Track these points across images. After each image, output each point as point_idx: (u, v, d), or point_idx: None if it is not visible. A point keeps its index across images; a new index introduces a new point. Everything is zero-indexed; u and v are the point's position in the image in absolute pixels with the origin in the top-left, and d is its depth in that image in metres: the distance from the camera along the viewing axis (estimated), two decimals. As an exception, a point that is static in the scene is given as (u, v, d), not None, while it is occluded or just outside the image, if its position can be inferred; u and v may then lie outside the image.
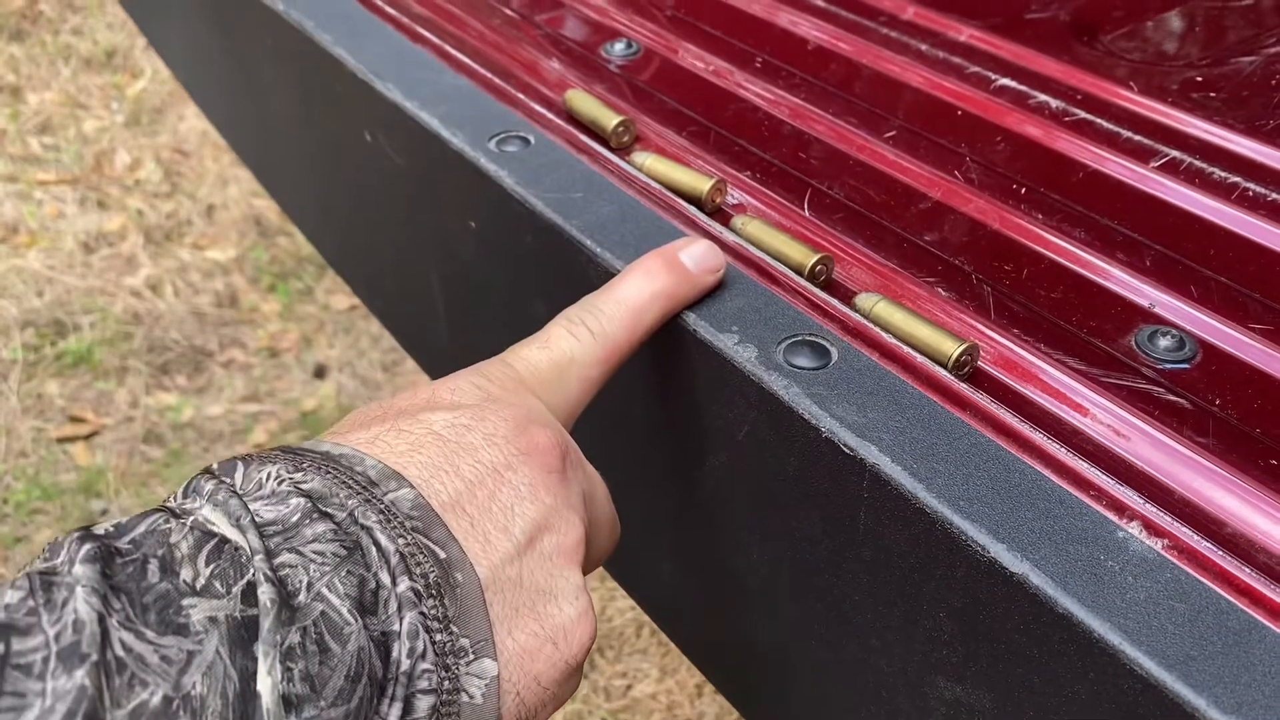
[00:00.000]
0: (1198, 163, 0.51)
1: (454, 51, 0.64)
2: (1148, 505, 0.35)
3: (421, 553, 0.30)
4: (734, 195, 0.53)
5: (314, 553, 0.28)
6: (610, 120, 0.55)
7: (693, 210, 0.50)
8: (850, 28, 0.65)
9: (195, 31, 0.97)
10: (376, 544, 0.29)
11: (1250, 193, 0.49)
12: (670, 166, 0.52)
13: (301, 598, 0.27)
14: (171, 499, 0.30)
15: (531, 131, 0.54)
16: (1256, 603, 0.32)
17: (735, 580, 0.48)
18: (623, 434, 0.53)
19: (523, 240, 0.52)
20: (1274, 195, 0.49)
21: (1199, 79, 0.58)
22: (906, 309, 0.43)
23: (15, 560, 1.56)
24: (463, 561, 0.30)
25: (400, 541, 0.29)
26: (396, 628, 0.28)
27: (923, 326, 0.42)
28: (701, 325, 0.43)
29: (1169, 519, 0.35)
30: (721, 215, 0.51)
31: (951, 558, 0.34)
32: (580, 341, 0.40)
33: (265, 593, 0.26)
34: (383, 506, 0.30)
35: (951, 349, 0.41)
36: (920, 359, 0.41)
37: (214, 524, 0.28)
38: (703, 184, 0.51)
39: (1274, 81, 0.56)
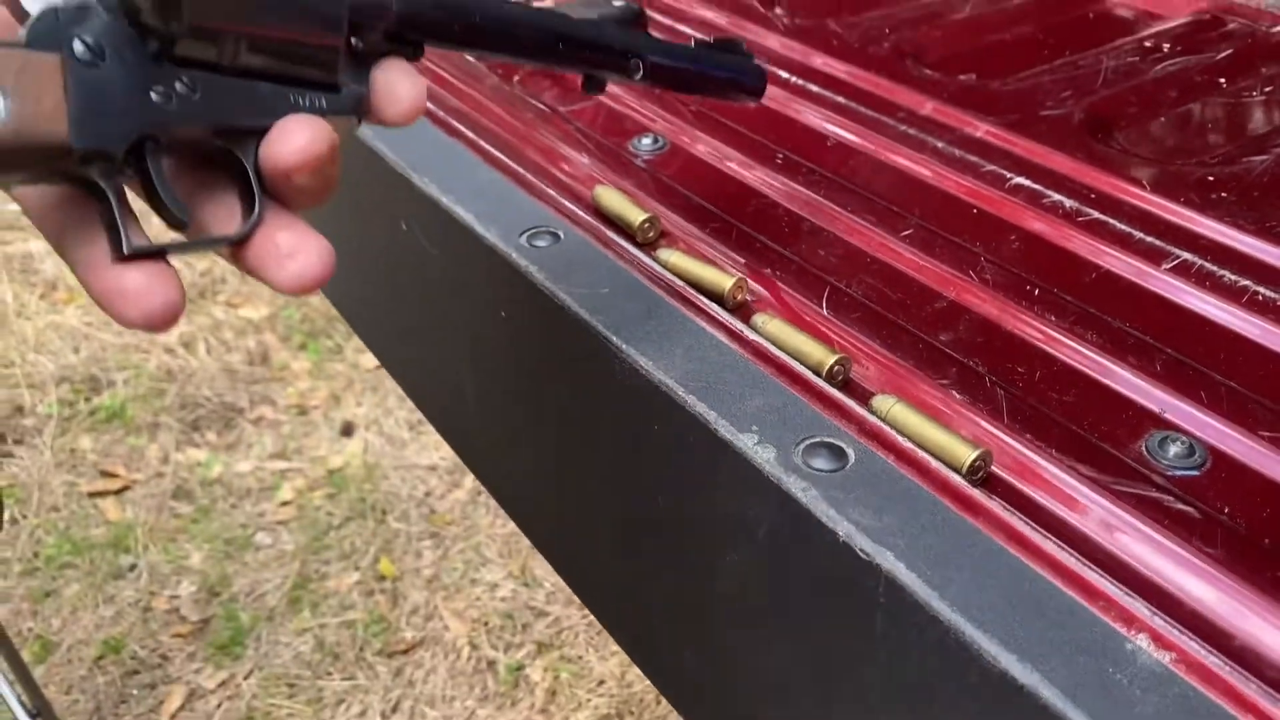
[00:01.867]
0: (1209, 265, 0.53)
1: (487, 146, 0.66)
2: (1156, 617, 0.36)
3: None
4: (755, 291, 0.55)
5: None
6: (636, 217, 0.58)
7: (715, 308, 0.52)
8: (869, 124, 0.68)
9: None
10: None
11: (1260, 296, 0.51)
12: (694, 263, 0.54)
13: None
14: None
15: (561, 227, 0.56)
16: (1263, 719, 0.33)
17: (753, 672, 0.49)
18: (646, 525, 0.54)
19: (551, 333, 0.53)
20: (1283, 299, 0.50)
21: (1210, 178, 0.60)
22: (922, 413, 0.45)
23: (43, 614, 1.58)
24: None
25: None
26: None
27: (938, 431, 0.43)
28: (723, 424, 0.44)
29: (1177, 631, 0.36)
30: (743, 312, 0.53)
31: (964, 665, 0.35)
32: None
33: None
34: None
35: (966, 455, 0.42)
36: (935, 463, 0.42)
37: None
38: (725, 281, 0.53)
39: (1284, 183, 0.58)
